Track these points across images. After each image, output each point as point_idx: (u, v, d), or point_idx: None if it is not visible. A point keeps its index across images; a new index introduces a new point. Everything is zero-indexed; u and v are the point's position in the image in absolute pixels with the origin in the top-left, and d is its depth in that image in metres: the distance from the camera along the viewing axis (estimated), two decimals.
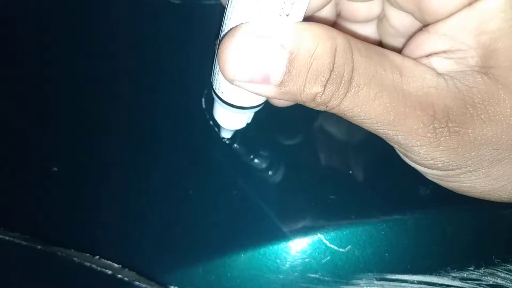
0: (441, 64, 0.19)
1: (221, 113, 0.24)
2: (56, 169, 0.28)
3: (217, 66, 0.20)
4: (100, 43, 0.32)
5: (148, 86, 0.31)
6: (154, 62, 0.32)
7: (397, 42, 0.24)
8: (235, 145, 0.29)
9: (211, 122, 0.27)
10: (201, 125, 0.29)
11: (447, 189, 0.22)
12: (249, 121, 0.26)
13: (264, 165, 0.28)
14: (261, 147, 0.29)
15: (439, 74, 0.19)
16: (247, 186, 0.27)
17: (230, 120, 0.25)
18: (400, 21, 0.22)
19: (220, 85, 0.21)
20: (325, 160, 0.28)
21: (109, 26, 0.33)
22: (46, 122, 0.30)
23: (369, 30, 0.25)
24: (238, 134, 0.28)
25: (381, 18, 0.24)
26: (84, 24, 0.33)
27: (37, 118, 0.30)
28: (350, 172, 0.27)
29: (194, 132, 0.29)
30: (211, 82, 0.22)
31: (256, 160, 0.28)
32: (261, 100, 0.22)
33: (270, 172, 0.28)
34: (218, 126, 0.27)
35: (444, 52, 0.19)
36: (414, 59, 0.20)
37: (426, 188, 0.26)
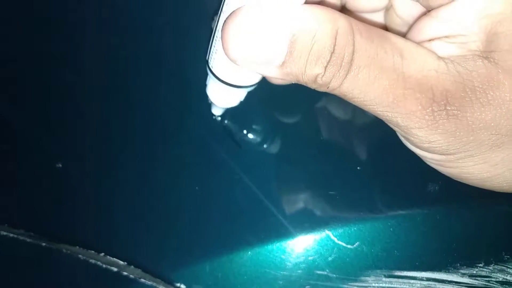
0: (442, 48, 0.19)
1: (215, 91, 0.24)
2: (60, 165, 0.28)
3: (215, 45, 0.21)
4: (101, 36, 0.32)
5: (151, 79, 0.31)
6: (156, 54, 0.31)
7: (405, 32, 0.23)
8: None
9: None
10: (206, 120, 0.29)
11: (455, 185, 0.22)
12: (242, 99, 0.26)
13: (270, 161, 0.28)
14: (266, 137, 0.29)
15: (439, 57, 0.19)
16: (254, 182, 0.27)
17: (224, 98, 0.25)
18: (407, 11, 0.22)
19: (218, 63, 0.21)
20: (333, 155, 0.28)
21: (108, 17, 0.32)
22: (50, 118, 0.30)
23: (375, 19, 0.25)
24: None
25: (388, 8, 0.24)
26: (84, 17, 0.32)
27: (41, 114, 0.30)
28: (358, 168, 0.27)
29: (199, 127, 0.29)
30: (207, 60, 0.22)
31: (262, 156, 0.28)
32: (257, 79, 0.22)
33: (277, 169, 0.28)
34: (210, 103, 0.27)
35: (446, 36, 0.19)
36: (416, 43, 0.20)
37: (435, 184, 0.26)
